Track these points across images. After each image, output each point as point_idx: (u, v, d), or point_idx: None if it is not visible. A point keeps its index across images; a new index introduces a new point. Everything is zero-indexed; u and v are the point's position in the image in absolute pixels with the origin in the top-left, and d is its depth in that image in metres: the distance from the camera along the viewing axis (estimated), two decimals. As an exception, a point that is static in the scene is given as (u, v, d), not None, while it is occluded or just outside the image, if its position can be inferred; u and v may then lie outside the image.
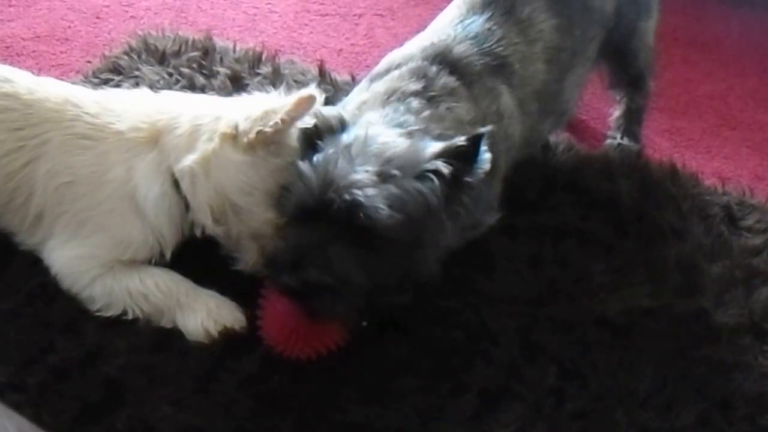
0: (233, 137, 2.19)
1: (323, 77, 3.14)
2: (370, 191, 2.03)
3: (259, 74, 3.11)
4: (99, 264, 2.22)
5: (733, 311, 2.41)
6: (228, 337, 2.16)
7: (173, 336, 2.17)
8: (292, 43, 3.51)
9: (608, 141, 3.11)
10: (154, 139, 2.27)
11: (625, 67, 2.98)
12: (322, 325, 2.13)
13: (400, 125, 2.21)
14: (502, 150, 2.38)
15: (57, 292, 2.23)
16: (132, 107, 2.33)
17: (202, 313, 2.17)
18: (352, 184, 2.03)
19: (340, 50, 3.48)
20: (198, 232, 2.29)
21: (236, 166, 2.19)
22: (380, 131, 2.16)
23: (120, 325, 2.18)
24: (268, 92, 2.41)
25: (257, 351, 2.15)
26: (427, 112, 2.26)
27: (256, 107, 2.21)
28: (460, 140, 2.11)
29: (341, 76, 3.17)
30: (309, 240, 2.06)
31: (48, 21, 3.44)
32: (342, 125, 2.19)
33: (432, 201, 2.08)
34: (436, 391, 2.12)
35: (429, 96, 2.31)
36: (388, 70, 2.43)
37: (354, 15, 3.73)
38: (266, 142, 2.17)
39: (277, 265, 2.09)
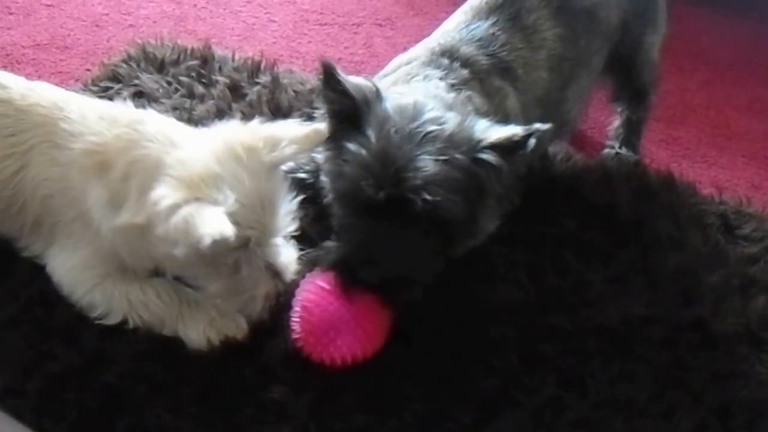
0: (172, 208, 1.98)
1: (322, 86, 3.14)
2: (444, 185, 2.05)
3: (258, 83, 3.12)
4: (97, 273, 2.21)
5: (730, 320, 2.42)
6: (229, 345, 2.15)
7: (173, 344, 2.16)
8: (291, 53, 3.52)
9: (606, 150, 3.12)
10: (105, 167, 2.13)
11: (628, 81, 2.99)
12: (366, 328, 2.13)
13: (434, 98, 2.22)
14: None
15: (57, 299, 2.22)
16: (98, 122, 2.21)
17: (204, 322, 2.16)
18: (428, 180, 2.04)
19: (339, 60, 3.48)
20: (168, 274, 2.24)
21: (167, 243, 2.00)
22: (424, 102, 2.16)
23: (120, 332, 2.18)
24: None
25: (257, 359, 2.15)
26: (452, 95, 2.28)
27: (190, 200, 1.96)
28: (516, 135, 2.12)
29: (340, 86, 3.18)
30: (382, 234, 2.08)
31: (48, 29, 3.45)
32: (378, 95, 2.16)
33: (487, 185, 2.15)
34: (436, 399, 2.13)
35: (450, 83, 2.34)
36: (398, 66, 2.46)
37: (353, 24, 3.75)
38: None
39: (352, 262, 2.09)
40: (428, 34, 2.61)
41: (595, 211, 2.70)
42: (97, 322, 2.19)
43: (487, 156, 2.11)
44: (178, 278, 2.23)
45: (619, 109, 3.13)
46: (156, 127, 2.19)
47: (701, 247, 2.65)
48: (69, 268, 2.23)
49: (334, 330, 2.10)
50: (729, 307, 2.46)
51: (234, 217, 1.94)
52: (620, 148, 3.10)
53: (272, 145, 2.10)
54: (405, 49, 2.61)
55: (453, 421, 2.10)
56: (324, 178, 2.31)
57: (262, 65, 3.23)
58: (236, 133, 2.14)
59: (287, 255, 2.18)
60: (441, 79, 2.34)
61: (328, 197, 2.29)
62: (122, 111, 2.28)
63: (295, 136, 2.13)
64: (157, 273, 2.25)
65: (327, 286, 2.13)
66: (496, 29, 2.50)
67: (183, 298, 2.21)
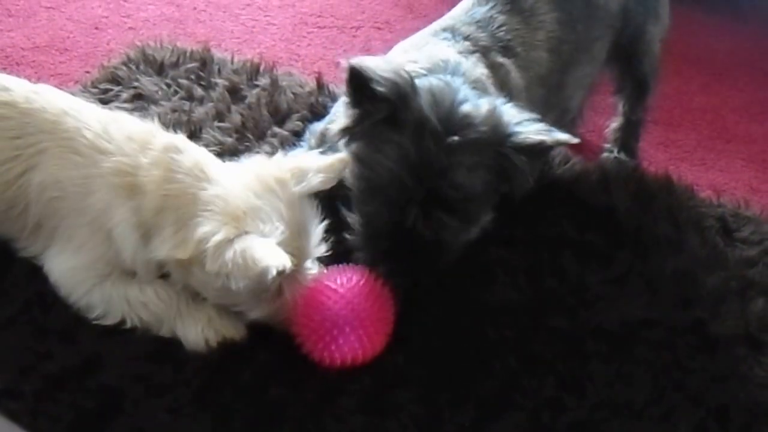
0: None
1: (321, 89, 3.14)
2: (476, 197, 2.14)
3: (257, 86, 3.12)
4: (96, 274, 2.21)
5: (728, 322, 2.42)
6: (227, 347, 2.15)
7: (171, 345, 2.16)
8: (290, 55, 3.53)
9: (605, 154, 3.12)
10: (136, 189, 2.17)
11: (630, 69, 3.00)
12: (369, 331, 2.13)
13: (458, 72, 2.29)
14: None
15: (55, 300, 2.22)
16: (128, 143, 2.23)
17: (203, 322, 2.16)
18: (463, 196, 2.12)
19: (338, 63, 3.49)
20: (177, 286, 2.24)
21: (211, 277, 2.07)
22: (455, 90, 2.19)
23: (118, 333, 2.17)
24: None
25: (255, 360, 2.15)
26: (463, 59, 2.35)
27: (237, 235, 2.03)
28: (548, 139, 2.16)
29: (339, 89, 3.18)
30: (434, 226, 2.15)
31: (47, 31, 3.45)
32: (413, 88, 2.15)
33: (508, 181, 2.21)
34: (434, 401, 2.12)
35: (458, 50, 2.39)
36: (405, 51, 2.48)
37: (352, 27, 3.75)
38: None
39: (397, 241, 2.17)
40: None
41: (594, 214, 2.70)
42: (95, 323, 2.19)
43: (515, 158, 2.16)
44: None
45: (619, 105, 3.12)
46: (191, 159, 2.21)
47: (700, 250, 2.65)
48: (68, 269, 2.23)
49: (337, 329, 2.10)
50: (727, 310, 2.46)
51: (280, 246, 2.02)
52: (618, 152, 3.10)
53: (300, 176, 2.19)
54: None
55: (451, 423, 2.09)
56: (355, 171, 2.27)
57: (261, 68, 3.23)
58: (265, 167, 2.22)
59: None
60: (449, 47, 2.39)
61: (356, 190, 2.28)
62: (151, 133, 2.29)
63: (320, 166, 2.22)
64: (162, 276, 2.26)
65: (333, 286, 2.14)
66: (494, 12, 2.54)
67: (182, 298, 2.21)
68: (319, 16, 3.80)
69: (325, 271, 2.21)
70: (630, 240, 2.63)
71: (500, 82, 2.41)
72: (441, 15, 2.67)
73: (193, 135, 2.76)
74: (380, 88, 2.12)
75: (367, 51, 3.60)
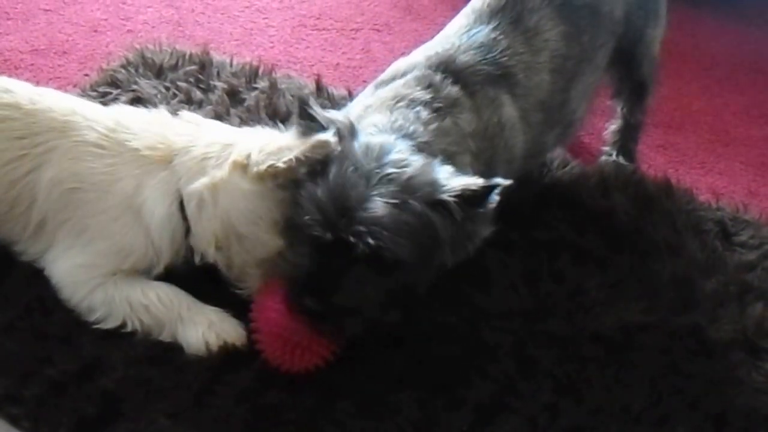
0: (244, 166, 2.19)
1: (320, 92, 3.14)
2: (391, 228, 2.05)
3: (256, 88, 3.12)
4: (100, 273, 2.22)
5: (726, 327, 2.43)
6: (226, 351, 2.16)
7: (170, 349, 2.17)
8: (289, 58, 3.53)
9: (603, 157, 3.12)
10: (168, 159, 2.27)
11: (628, 73, 2.99)
12: (319, 337, 2.13)
13: (409, 136, 2.23)
14: (501, 161, 2.40)
15: (55, 305, 2.23)
16: (150, 126, 2.34)
17: (204, 326, 2.17)
18: (374, 223, 2.04)
19: (337, 65, 3.49)
20: (197, 259, 2.28)
21: (244, 195, 2.19)
22: (392, 144, 2.16)
23: (117, 338, 2.18)
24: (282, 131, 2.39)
25: (254, 365, 2.15)
26: (434, 125, 2.28)
27: (271, 142, 2.21)
28: (475, 185, 2.11)
29: (338, 91, 3.19)
30: (329, 265, 2.08)
31: (46, 34, 3.45)
32: (352, 133, 2.17)
33: (441, 232, 2.12)
34: (431, 404, 2.13)
35: (435, 107, 2.32)
36: (393, 78, 2.45)
37: (351, 30, 3.75)
38: (276, 175, 2.17)
39: (299, 288, 2.09)
40: (426, 40, 2.61)
41: (592, 218, 2.70)
42: (95, 326, 2.20)
43: (446, 200, 2.10)
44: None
45: (618, 108, 3.12)
46: (213, 125, 2.42)
47: (698, 254, 2.66)
48: (71, 267, 2.24)
49: (291, 344, 2.12)
50: (725, 314, 2.46)
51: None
52: (617, 156, 3.10)
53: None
54: (403, 54, 2.62)
55: (449, 426, 2.10)
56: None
57: (260, 70, 3.24)
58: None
59: None
60: (426, 104, 2.32)
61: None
62: (164, 113, 2.46)
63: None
64: (166, 276, 2.28)
65: (282, 304, 2.14)
66: (497, 33, 2.50)
67: (183, 302, 2.22)
68: (318, 19, 3.80)
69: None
70: (628, 244, 2.63)
71: (486, 123, 2.38)
72: (440, 17, 2.68)
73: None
74: (321, 119, 2.18)
75: (367, 53, 3.61)
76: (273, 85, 3.15)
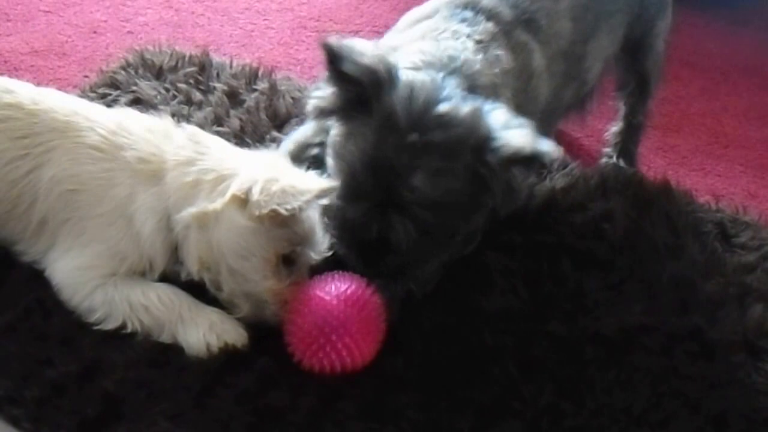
0: (242, 202, 2.14)
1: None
2: (435, 200, 2.02)
3: (256, 90, 3.12)
4: (99, 275, 2.21)
5: (727, 328, 2.42)
6: (227, 353, 2.16)
7: (171, 351, 2.16)
8: (289, 59, 3.53)
9: (604, 159, 3.13)
10: (160, 175, 2.24)
11: (634, 64, 2.99)
12: (356, 337, 2.13)
13: (459, 69, 2.17)
14: (527, 112, 2.32)
15: (55, 307, 2.22)
16: (149, 135, 2.31)
17: (205, 327, 2.16)
18: (417, 202, 2.01)
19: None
20: (183, 275, 2.27)
21: (239, 230, 2.15)
22: (439, 87, 2.08)
23: (118, 339, 2.17)
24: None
25: (255, 366, 2.15)
26: (481, 55, 2.23)
27: (276, 179, 2.13)
28: (527, 149, 2.03)
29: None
30: (380, 225, 2.07)
31: (46, 36, 3.45)
32: (391, 77, 2.06)
33: (488, 192, 2.10)
34: (433, 407, 2.13)
35: (478, 39, 2.27)
36: (417, 21, 2.39)
37: (350, 32, 3.75)
38: (276, 219, 2.12)
39: (357, 253, 2.13)
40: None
41: (592, 220, 2.70)
42: (95, 327, 2.19)
43: (491, 164, 2.05)
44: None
45: (620, 107, 3.12)
46: (216, 144, 2.34)
47: (698, 256, 2.65)
48: (72, 268, 2.24)
49: (324, 337, 2.10)
50: (726, 316, 2.46)
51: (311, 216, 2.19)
52: (618, 159, 3.11)
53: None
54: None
55: (450, 429, 2.09)
56: (330, 158, 2.24)
57: (260, 72, 3.24)
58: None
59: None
60: (468, 36, 2.27)
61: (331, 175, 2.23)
62: (169, 123, 2.40)
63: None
64: (165, 278, 2.28)
65: (322, 294, 2.14)
66: None
67: (184, 303, 2.21)
68: (318, 20, 3.80)
69: (317, 278, 2.21)
70: (628, 246, 2.63)
71: (521, 66, 2.33)
72: (440, 18, 2.67)
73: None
74: (353, 71, 2.05)
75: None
76: (273, 87, 3.15)
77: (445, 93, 2.07)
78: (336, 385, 2.13)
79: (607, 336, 2.34)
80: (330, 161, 2.23)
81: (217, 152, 2.29)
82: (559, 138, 3.18)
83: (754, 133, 3.48)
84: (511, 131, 2.06)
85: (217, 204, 2.16)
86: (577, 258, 2.56)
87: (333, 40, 2.07)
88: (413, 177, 2.01)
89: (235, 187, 2.15)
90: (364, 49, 2.09)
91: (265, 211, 2.09)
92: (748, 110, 3.61)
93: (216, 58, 3.31)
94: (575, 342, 2.32)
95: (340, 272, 2.22)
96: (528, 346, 2.29)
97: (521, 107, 2.30)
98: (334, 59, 2.06)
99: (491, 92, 2.21)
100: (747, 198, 3.08)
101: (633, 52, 2.91)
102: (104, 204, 2.24)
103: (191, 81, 3.16)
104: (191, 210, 2.18)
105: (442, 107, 2.05)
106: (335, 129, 2.22)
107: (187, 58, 3.26)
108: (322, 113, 2.20)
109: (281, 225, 2.14)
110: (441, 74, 2.14)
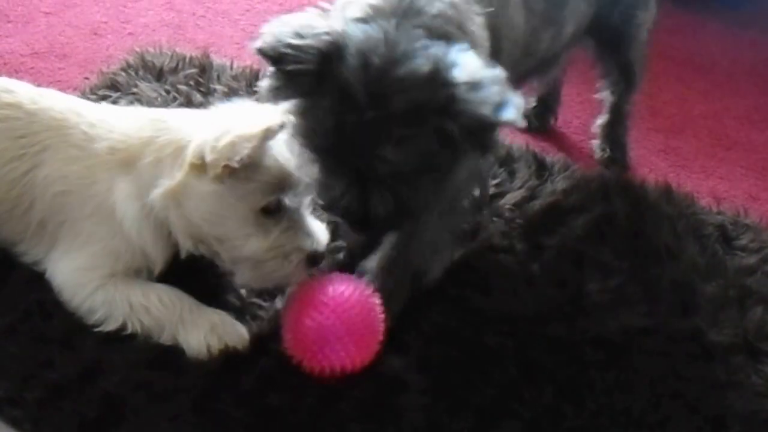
0: (201, 167, 2.09)
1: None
2: (409, 171, 1.93)
3: (256, 92, 3.12)
4: (99, 275, 2.21)
5: (727, 330, 2.42)
6: (228, 354, 2.15)
7: (171, 352, 2.16)
8: (289, 61, 3.52)
9: (597, 152, 3.13)
10: (131, 161, 2.21)
11: (616, 54, 2.96)
12: (355, 339, 2.12)
13: (415, 14, 1.96)
14: (507, 39, 2.23)
15: (55, 308, 2.22)
16: (119, 123, 2.29)
17: (205, 328, 2.16)
18: (389, 174, 1.92)
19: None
20: (183, 254, 2.25)
21: (204, 198, 2.12)
22: (394, 49, 1.88)
23: (118, 341, 2.17)
24: (233, 101, 2.31)
25: (255, 368, 2.15)
26: None
27: (225, 132, 2.05)
28: (491, 118, 1.84)
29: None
30: (360, 201, 2.01)
31: (46, 37, 3.45)
32: (338, 48, 1.89)
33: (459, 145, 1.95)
34: (434, 408, 2.13)
35: None
36: None
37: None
38: (234, 172, 2.07)
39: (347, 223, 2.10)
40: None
41: (593, 222, 2.70)
42: (95, 329, 2.19)
43: (453, 129, 1.89)
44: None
45: (606, 96, 3.12)
46: (178, 121, 2.25)
47: (699, 258, 2.66)
48: (72, 270, 2.23)
49: (322, 339, 2.09)
50: (726, 318, 2.46)
51: (281, 157, 2.11)
52: (612, 151, 3.11)
53: None
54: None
55: (450, 430, 2.09)
56: (294, 129, 2.08)
57: (260, 73, 3.23)
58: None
59: (317, 223, 2.23)
60: None
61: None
62: (143, 110, 2.38)
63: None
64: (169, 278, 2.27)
65: (320, 296, 2.13)
66: None
67: (185, 304, 2.20)
68: (319, 22, 3.80)
69: (316, 279, 2.20)
70: (629, 248, 2.64)
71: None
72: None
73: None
74: (299, 68, 1.91)
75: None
76: (273, 89, 3.14)
77: (401, 50, 1.89)
78: (336, 386, 2.12)
79: (607, 338, 2.34)
80: (295, 138, 2.10)
81: (174, 123, 2.24)
82: (559, 142, 3.19)
83: (757, 136, 3.48)
84: (475, 92, 1.87)
85: (178, 177, 2.12)
86: (577, 260, 2.57)
87: (265, 41, 1.93)
88: (382, 149, 1.89)
89: (190, 155, 2.11)
90: (300, 29, 1.93)
91: (218, 170, 2.05)
92: (750, 112, 3.60)
93: (217, 59, 3.31)
94: (575, 344, 2.32)
95: (339, 273, 2.22)
96: (528, 348, 2.29)
97: (497, 35, 2.15)
98: (275, 63, 1.96)
99: (454, 24, 2.02)
100: (748, 200, 3.08)
101: (615, 43, 2.88)
102: (89, 203, 2.23)
103: (192, 83, 3.16)
104: (158, 190, 2.15)
105: (400, 71, 1.87)
106: (292, 105, 2.07)
107: (187, 60, 3.26)
108: (277, 93, 2.05)
109: (245, 179, 2.09)
110: (393, 22, 1.94)
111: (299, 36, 1.91)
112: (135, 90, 3.06)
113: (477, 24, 2.10)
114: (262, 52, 1.94)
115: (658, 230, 2.71)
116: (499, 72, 1.91)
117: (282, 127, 2.04)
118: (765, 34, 4.20)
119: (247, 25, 3.73)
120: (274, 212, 2.14)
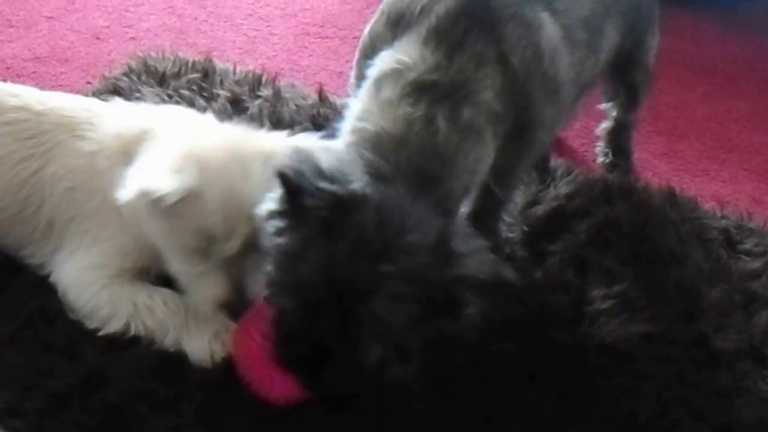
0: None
1: (323, 101, 3.14)
2: (400, 311, 1.88)
3: (259, 97, 3.12)
4: (107, 274, 2.21)
5: (732, 336, 2.42)
6: (231, 362, 2.13)
7: (173, 361, 2.15)
8: (292, 66, 3.52)
9: (600, 158, 3.13)
10: (126, 153, 2.19)
11: (623, 77, 2.96)
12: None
13: (425, 184, 1.98)
14: (540, 98, 2.20)
15: (57, 316, 2.22)
16: (121, 115, 2.32)
17: (209, 334, 2.14)
18: (382, 310, 1.86)
19: (340, 73, 3.48)
20: None
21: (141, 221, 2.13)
22: (408, 212, 1.91)
23: (120, 349, 2.16)
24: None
25: (258, 376, 2.14)
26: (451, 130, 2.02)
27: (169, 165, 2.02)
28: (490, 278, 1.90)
29: (341, 99, 3.18)
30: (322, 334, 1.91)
31: (48, 42, 3.45)
32: (357, 201, 1.88)
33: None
34: (437, 415, 2.12)
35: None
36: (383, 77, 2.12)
37: (354, 38, 3.71)
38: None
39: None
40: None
41: (596, 227, 2.69)
42: (98, 331, 2.18)
43: (454, 290, 1.92)
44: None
45: (611, 111, 3.12)
46: (177, 115, 2.29)
47: (703, 263, 2.65)
48: (79, 269, 2.23)
49: (268, 369, 2.02)
50: (731, 323, 2.45)
51: (209, 202, 2.03)
52: (614, 157, 3.11)
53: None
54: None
55: (454, 437, 2.09)
56: (277, 258, 1.98)
57: (264, 79, 3.23)
58: (255, 135, 2.22)
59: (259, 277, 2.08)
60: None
61: (273, 276, 1.99)
62: (149, 105, 2.42)
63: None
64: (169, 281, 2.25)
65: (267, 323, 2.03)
66: None
67: (190, 309, 2.19)
68: (321, 27, 3.79)
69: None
70: (633, 253, 2.63)
71: (520, 59, 2.12)
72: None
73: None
74: (310, 202, 1.88)
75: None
76: (276, 94, 3.14)
77: (414, 220, 1.91)
78: (339, 394, 2.11)
79: (611, 344, 2.34)
80: (273, 263, 1.99)
81: (171, 124, 2.25)
82: (562, 146, 3.18)
83: (759, 138, 3.47)
84: (475, 259, 1.92)
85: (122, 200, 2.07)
86: (581, 266, 2.56)
87: (289, 169, 1.90)
88: (377, 302, 1.86)
89: (131, 184, 2.04)
90: (328, 170, 1.91)
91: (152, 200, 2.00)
92: (752, 115, 3.59)
93: (219, 64, 3.31)
94: (580, 350, 2.32)
95: None
96: (532, 354, 2.29)
97: (528, 101, 2.15)
98: (292, 192, 1.93)
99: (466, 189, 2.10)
100: (752, 204, 3.07)
101: (623, 66, 2.88)
102: (94, 199, 2.22)
103: (194, 88, 3.15)
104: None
105: (411, 237, 1.89)
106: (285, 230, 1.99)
107: (190, 65, 3.25)
108: (278, 217, 1.99)
109: (179, 215, 2.05)
110: (411, 194, 1.96)
111: (325, 177, 1.89)
112: (137, 95, 3.05)
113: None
114: (284, 179, 1.91)
115: (661, 235, 2.70)
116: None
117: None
118: (767, 36, 4.19)
119: (249, 30, 3.73)
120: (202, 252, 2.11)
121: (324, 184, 1.87)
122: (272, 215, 1.98)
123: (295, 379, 1.98)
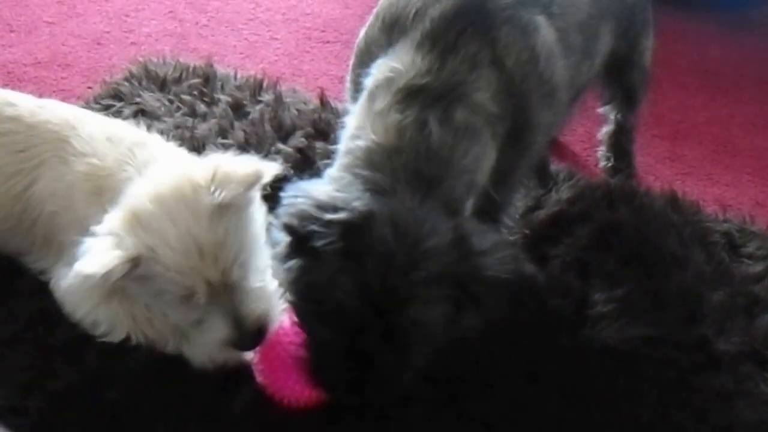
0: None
1: (324, 106, 3.13)
2: (434, 312, 1.92)
3: (261, 102, 3.12)
4: (101, 293, 2.17)
5: (734, 339, 2.41)
6: (231, 366, 2.14)
7: (175, 363, 2.15)
8: (294, 71, 3.51)
9: (602, 163, 3.12)
10: (99, 193, 2.14)
11: (619, 79, 2.94)
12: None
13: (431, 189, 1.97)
14: (536, 100, 2.18)
15: (58, 318, 2.22)
16: (102, 145, 2.22)
17: (210, 341, 2.14)
18: (418, 315, 1.89)
19: (342, 77, 3.46)
20: None
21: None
22: (421, 220, 1.91)
23: (122, 350, 2.17)
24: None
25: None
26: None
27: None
28: (511, 276, 1.96)
29: (342, 105, 3.17)
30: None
31: (49, 47, 3.45)
32: (367, 220, 1.88)
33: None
34: (440, 419, 2.12)
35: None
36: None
37: (355, 42, 3.74)
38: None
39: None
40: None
41: (598, 230, 2.69)
42: (99, 340, 2.18)
43: (477, 289, 1.94)
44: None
45: (611, 114, 3.10)
46: (151, 151, 2.20)
47: (705, 266, 2.64)
48: (77, 284, 2.20)
49: (289, 370, 2.04)
50: (733, 326, 2.44)
51: (162, 261, 1.93)
52: (616, 161, 3.10)
53: (221, 183, 1.99)
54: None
55: (456, 441, 2.09)
56: (300, 291, 2.01)
57: (265, 83, 3.23)
58: (191, 168, 2.06)
59: (256, 303, 2.06)
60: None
61: (301, 311, 2.03)
62: (129, 132, 2.29)
63: (243, 174, 2.02)
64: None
65: (287, 327, 2.08)
66: None
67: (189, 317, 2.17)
68: (323, 31, 3.79)
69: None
70: (635, 256, 2.62)
71: (509, 75, 2.11)
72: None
73: (196, 151, 2.74)
74: (325, 241, 1.88)
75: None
76: (278, 99, 3.14)
77: (428, 226, 1.92)
78: (341, 398, 2.10)
79: (613, 347, 2.33)
80: (296, 298, 2.02)
81: (150, 154, 2.20)
82: (563, 151, 3.18)
83: (762, 142, 3.46)
84: (494, 255, 1.96)
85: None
86: (583, 269, 2.56)
87: (292, 217, 1.93)
88: (413, 309, 1.89)
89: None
90: (325, 202, 1.92)
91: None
92: (755, 118, 3.58)
93: (220, 69, 3.31)
94: (581, 353, 2.32)
95: None
96: (534, 358, 2.29)
97: (524, 104, 2.15)
98: (302, 240, 1.92)
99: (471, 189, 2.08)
100: (755, 207, 3.06)
101: (619, 68, 2.87)
102: (75, 227, 2.14)
103: (195, 92, 3.15)
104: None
105: (431, 242, 1.90)
106: (299, 266, 1.99)
107: (191, 70, 3.25)
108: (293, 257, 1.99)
109: (144, 279, 1.99)
110: (417, 199, 1.95)
111: (327, 209, 1.90)
112: (138, 100, 3.06)
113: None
114: (291, 231, 1.93)
115: (663, 238, 2.70)
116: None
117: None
118: (770, 40, 4.20)
119: (250, 35, 3.72)
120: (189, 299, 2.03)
121: (329, 216, 1.88)
122: (287, 256, 1.98)
123: (330, 395, 2.02)
